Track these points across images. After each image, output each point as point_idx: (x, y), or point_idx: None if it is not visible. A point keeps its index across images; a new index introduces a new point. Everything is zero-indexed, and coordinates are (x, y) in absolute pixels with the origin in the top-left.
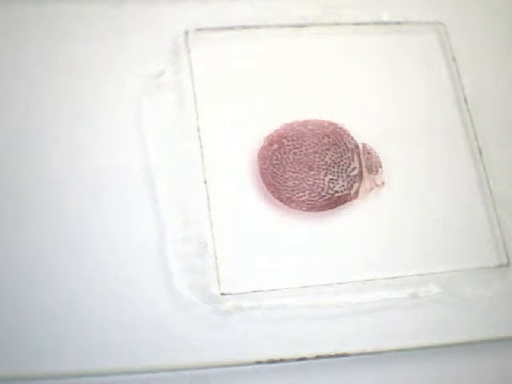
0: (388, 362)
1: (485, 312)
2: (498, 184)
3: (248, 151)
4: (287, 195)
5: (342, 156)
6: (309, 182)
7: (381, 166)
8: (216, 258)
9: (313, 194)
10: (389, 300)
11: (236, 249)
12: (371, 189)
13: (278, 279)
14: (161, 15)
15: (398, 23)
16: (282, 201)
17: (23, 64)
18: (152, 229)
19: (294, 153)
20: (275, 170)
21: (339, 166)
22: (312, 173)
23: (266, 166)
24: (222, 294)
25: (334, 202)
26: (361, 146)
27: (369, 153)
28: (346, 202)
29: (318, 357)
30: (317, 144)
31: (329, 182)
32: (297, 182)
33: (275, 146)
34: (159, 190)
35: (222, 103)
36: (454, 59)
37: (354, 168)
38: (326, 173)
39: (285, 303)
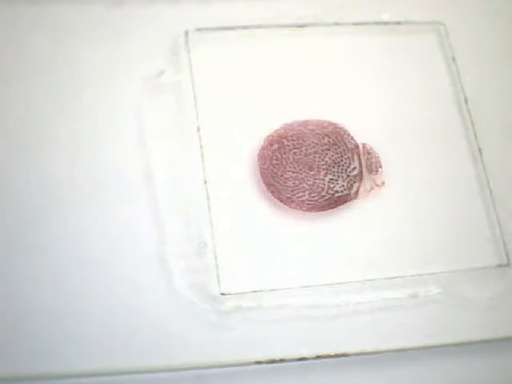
0: (388, 362)
1: (485, 312)
2: (497, 184)
3: (248, 151)
4: (287, 195)
5: (342, 156)
6: (309, 182)
7: (381, 166)
8: (216, 257)
9: (313, 194)
10: (389, 300)
11: (236, 249)
12: (371, 189)
13: (278, 279)
14: (161, 15)
15: (398, 23)
16: (281, 201)
17: (23, 64)
18: (152, 229)
19: (294, 153)
20: (275, 169)
21: (339, 166)
22: (312, 173)
23: (266, 166)
24: (222, 294)
25: (334, 202)
26: (361, 146)
27: (369, 153)
28: (346, 202)
29: (317, 357)
30: (317, 144)
31: (329, 182)
32: (297, 181)
33: (275, 145)
34: (159, 190)
35: (222, 103)
36: (453, 59)
37: (354, 168)
38: (326, 173)
39: (285, 303)
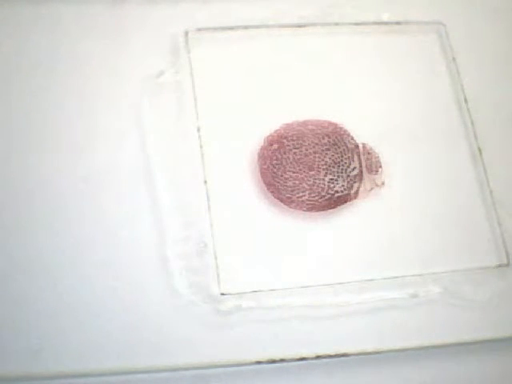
0: (388, 362)
1: (485, 312)
2: (498, 184)
3: (248, 151)
4: (287, 195)
5: (342, 156)
6: (309, 182)
7: (381, 166)
8: (216, 257)
9: (313, 194)
10: (389, 300)
11: (236, 249)
12: (371, 189)
13: (278, 279)
14: (161, 15)
15: (398, 23)
16: (282, 201)
17: (23, 64)
18: (152, 229)
19: (294, 153)
20: (275, 169)
21: (339, 166)
22: (312, 173)
23: (266, 166)
24: (222, 294)
25: (334, 202)
26: (361, 146)
27: (369, 153)
28: (346, 202)
29: (317, 357)
30: (317, 144)
31: (329, 182)
32: (297, 181)
33: (275, 145)
34: (159, 190)
35: (222, 103)
36: (453, 59)
37: (354, 168)
38: (326, 173)
39: (285, 303)
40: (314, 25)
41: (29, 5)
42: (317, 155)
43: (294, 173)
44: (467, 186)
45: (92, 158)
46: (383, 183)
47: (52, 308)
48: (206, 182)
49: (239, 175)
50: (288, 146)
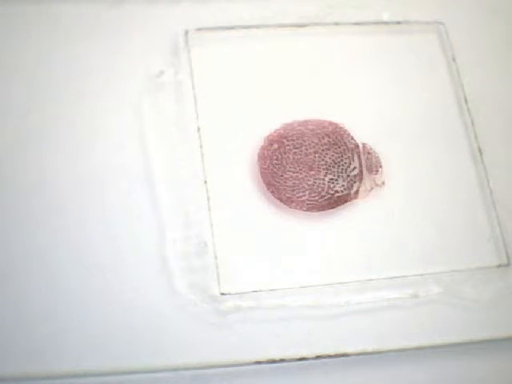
0: (388, 362)
1: (485, 312)
2: (498, 184)
3: (248, 151)
4: (287, 195)
5: (342, 156)
6: (309, 182)
7: (381, 166)
8: (216, 257)
9: (313, 194)
10: (389, 300)
11: (236, 249)
12: (371, 189)
13: (278, 279)
14: (161, 15)
15: (398, 23)
16: (282, 201)
17: (23, 64)
18: (152, 229)
19: (294, 153)
20: (275, 169)
21: (339, 166)
22: (312, 173)
23: (266, 166)
24: (222, 293)
25: (334, 201)
26: (361, 146)
27: (369, 153)
28: (346, 202)
29: (317, 357)
30: (317, 144)
31: (329, 182)
32: (297, 181)
33: (275, 145)
34: (159, 190)
35: (222, 103)
36: (454, 59)
37: (354, 168)
38: (326, 173)
39: (285, 303)
40: (314, 25)
41: (29, 4)
42: (317, 155)
43: (294, 173)
44: (467, 186)
45: (92, 158)
46: (383, 183)
47: (51, 308)
48: (205, 182)
49: (239, 175)
50: (288, 145)
